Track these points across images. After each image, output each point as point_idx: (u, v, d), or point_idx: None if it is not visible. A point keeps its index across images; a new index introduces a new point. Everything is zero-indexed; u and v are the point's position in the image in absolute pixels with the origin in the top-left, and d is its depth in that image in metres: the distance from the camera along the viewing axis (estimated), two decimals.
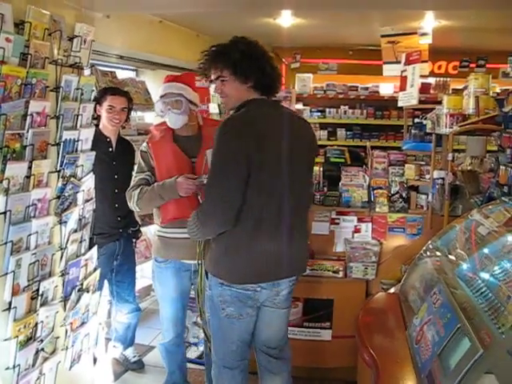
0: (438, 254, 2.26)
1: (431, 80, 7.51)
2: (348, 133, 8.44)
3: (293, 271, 2.85)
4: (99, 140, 3.90)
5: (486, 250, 1.89)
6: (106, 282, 4.21)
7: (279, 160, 2.60)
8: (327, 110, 8.38)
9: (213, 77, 2.75)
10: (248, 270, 2.69)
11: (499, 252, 1.84)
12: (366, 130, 8.52)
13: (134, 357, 4.46)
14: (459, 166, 4.64)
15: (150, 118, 5.69)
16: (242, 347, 2.90)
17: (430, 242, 2.49)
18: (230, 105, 2.75)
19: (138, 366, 4.45)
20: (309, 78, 8.16)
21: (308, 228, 3.07)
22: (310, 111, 8.30)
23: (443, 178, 4.03)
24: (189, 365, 4.34)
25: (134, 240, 4.33)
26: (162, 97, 3.49)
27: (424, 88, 7.26)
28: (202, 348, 4.49)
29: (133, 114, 5.36)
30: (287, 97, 6.17)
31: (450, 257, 2.15)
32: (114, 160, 4.03)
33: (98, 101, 3.91)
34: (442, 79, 7.56)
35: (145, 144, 3.56)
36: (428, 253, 2.31)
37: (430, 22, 5.29)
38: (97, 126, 3.96)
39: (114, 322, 4.45)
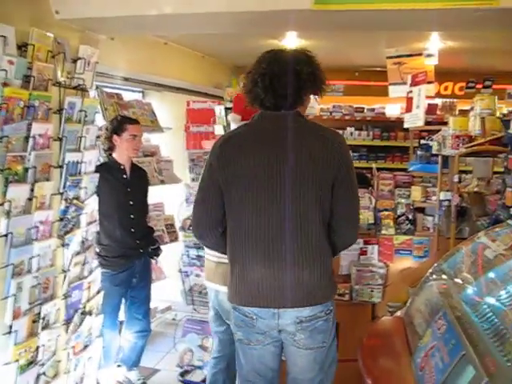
0: (444, 277, 2.22)
1: (438, 101, 7.51)
2: (354, 154, 8.40)
3: (287, 302, 2.50)
4: (113, 168, 3.99)
5: (492, 274, 1.85)
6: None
7: (259, 177, 2.47)
8: None
9: None
10: (232, 290, 2.61)
11: (505, 276, 1.80)
12: (372, 151, 8.51)
13: (139, 380, 4.38)
14: (466, 188, 4.61)
15: (156, 139, 5.70)
16: (261, 381, 2.71)
17: (435, 264, 2.45)
18: None
19: None
20: (315, 99, 8.16)
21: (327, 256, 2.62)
22: None
23: (449, 200, 4.01)
24: None
25: (154, 258, 4.39)
26: None
27: (430, 109, 7.28)
28: (206, 371, 4.43)
29: None
30: None
31: (456, 280, 2.11)
32: (129, 187, 4.08)
33: (116, 131, 3.96)
34: (448, 100, 7.55)
35: None
36: (434, 276, 2.27)
37: (435, 43, 5.29)
38: (110, 154, 4.04)
39: (121, 340, 4.41)
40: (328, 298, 2.59)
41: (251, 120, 2.61)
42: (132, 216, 4.07)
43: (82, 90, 3.26)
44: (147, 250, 4.23)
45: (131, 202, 4.08)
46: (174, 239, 5.32)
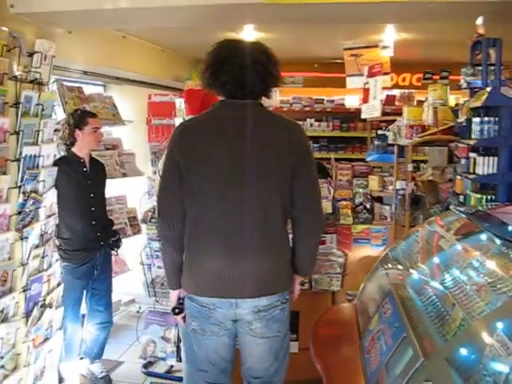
0: (393, 263, 2.30)
1: (396, 92, 7.64)
2: (314, 145, 8.47)
3: (245, 292, 2.53)
4: (73, 161, 4.00)
5: (436, 259, 1.93)
6: None
7: (220, 165, 2.49)
8: None
9: None
10: (190, 280, 2.62)
11: (448, 261, 1.88)
12: (332, 142, 8.60)
13: (102, 372, 4.37)
14: (421, 177, 4.73)
15: (117, 132, 5.69)
16: (214, 371, 2.74)
17: (386, 251, 2.53)
18: None
19: (106, 382, 4.37)
20: (275, 91, 8.22)
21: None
22: None
23: (404, 189, 4.12)
24: (157, 380, 4.36)
25: (115, 249, 4.40)
26: None
27: (389, 100, 7.43)
28: (169, 362, 4.48)
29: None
30: None
31: (403, 266, 2.20)
32: (89, 180, 4.10)
33: (78, 125, 3.96)
34: (406, 91, 7.69)
35: None
36: (383, 262, 2.36)
37: (390, 35, 5.40)
38: (69, 148, 4.03)
39: (84, 332, 4.41)
40: (285, 288, 2.64)
41: (212, 107, 2.60)
42: (93, 208, 4.09)
43: (38, 83, 3.25)
44: (108, 242, 4.25)
45: (92, 195, 4.10)
46: (137, 232, 5.36)
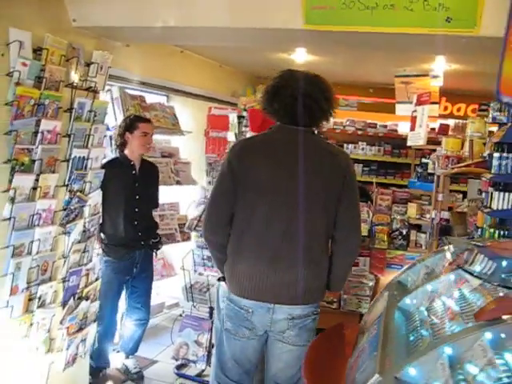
0: (396, 288, 2.40)
1: (450, 121, 7.63)
2: (364, 169, 8.55)
3: (285, 299, 2.74)
4: (124, 163, 4.25)
5: (429, 287, 2.04)
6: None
7: (271, 183, 2.71)
8: (345, 145, 8.48)
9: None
10: (234, 282, 2.82)
11: (441, 288, 1.99)
12: (383, 167, 8.61)
13: (135, 368, 4.59)
14: (458, 208, 4.76)
15: (176, 141, 5.95)
16: (238, 370, 2.94)
17: (396, 275, 2.64)
18: None
19: (138, 378, 4.57)
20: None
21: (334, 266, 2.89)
22: None
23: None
24: (186, 381, 4.53)
25: (154, 251, 4.55)
26: None
27: (443, 129, 7.43)
28: (199, 366, 4.64)
29: (159, 137, 5.70)
30: None
31: (404, 291, 2.29)
32: (137, 182, 4.30)
33: (129, 129, 4.21)
34: (460, 121, 7.67)
35: None
36: (389, 287, 2.46)
37: (440, 65, 5.43)
38: (122, 151, 4.28)
39: (122, 328, 4.63)
40: (319, 300, 2.88)
41: (269, 130, 2.87)
42: (137, 210, 4.28)
43: (93, 91, 3.51)
44: (148, 243, 4.43)
45: (137, 197, 4.28)
46: (186, 239, 5.49)
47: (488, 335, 1.34)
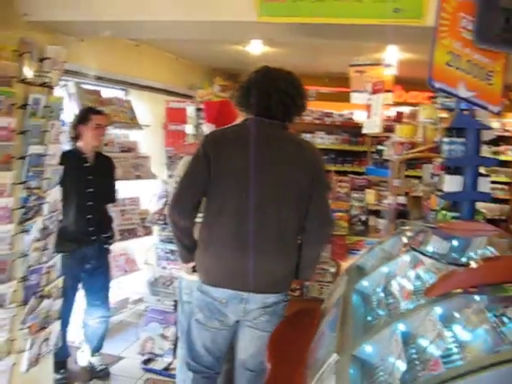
0: (355, 271, 2.47)
1: (405, 109, 7.77)
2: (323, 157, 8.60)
3: (258, 288, 2.79)
4: (76, 156, 4.21)
5: (384, 268, 2.11)
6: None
7: (243, 172, 2.77)
8: (303, 134, 8.49)
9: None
10: (204, 268, 2.87)
11: (396, 270, 2.06)
12: (341, 155, 8.71)
13: (101, 365, 4.58)
14: (413, 193, 4.87)
15: (134, 136, 5.90)
16: (209, 358, 3.01)
17: (355, 260, 2.71)
18: None
19: (104, 375, 4.56)
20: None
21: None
22: None
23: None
24: (153, 376, 4.53)
25: (106, 246, 4.51)
26: None
27: (398, 117, 7.58)
28: (167, 359, 4.65)
29: (117, 131, 5.66)
30: None
31: (362, 274, 2.36)
32: (90, 175, 4.26)
33: (82, 121, 4.18)
34: (415, 108, 7.81)
35: None
36: (348, 271, 2.53)
37: (392, 54, 5.54)
38: (75, 143, 4.24)
39: (84, 326, 4.59)
40: (289, 288, 2.98)
41: (244, 122, 2.92)
42: (90, 203, 4.22)
43: (48, 87, 3.45)
44: (99, 238, 4.38)
45: (91, 190, 4.23)
46: (149, 233, 5.51)
47: (437, 310, 1.41)
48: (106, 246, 4.50)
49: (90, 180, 4.25)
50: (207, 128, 4.22)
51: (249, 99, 2.85)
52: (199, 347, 2.99)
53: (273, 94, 2.78)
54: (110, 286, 4.65)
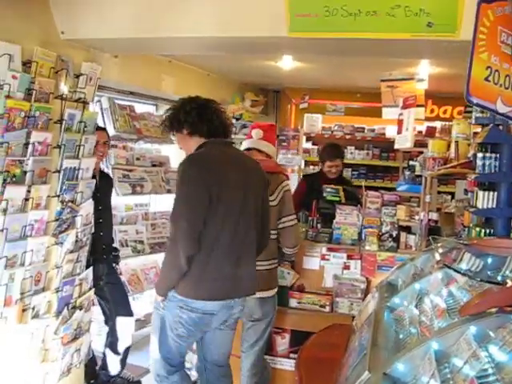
0: (387, 288, 2.46)
1: (437, 124, 7.71)
2: (354, 173, 8.61)
3: (244, 291, 3.08)
4: None
5: (417, 286, 2.09)
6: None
7: (234, 192, 2.96)
8: None
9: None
10: (202, 286, 2.93)
11: (428, 287, 2.04)
12: (372, 170, 8.68)
13: (133, 376, 4.60)
14: (446, 209, 4.81)
15: (166, 150, 5.97)
16: (180, 358, 3.20)
17: (387, 276, 2.69)
18: (188, 152, 3.14)
19: None
20: (318, 118, 8.40)
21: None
22: (318, 150, 8.46)
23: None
24: None
25: (114, 264, 4.50)
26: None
27: (429, 132, 7.51)
28: (194, 373, 4.63)
29: (149, 146, 5.73)
30: (295, 136, 6.18)
31: (393, 291, 2.34)
32: (98, 192, 4.16)
33: None
34: (447, 123, 7.74)
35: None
36: (379, 287, 2.51)
37: (424, 68, 5.50)
38: None
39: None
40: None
41: (210, 144, 3.06)
42: (101, 220, 4.16)
43: (82, 102, 3.55)
44: (109, 257, 4.35)
45: (100, 207, 4.16)
46: None
47: (472, 329, 1.39)
48: (114, 264, 4.50)
49: (98, 197, 4.12)
50: (263, 145, 3.92)
51: (202, 125, 3.03)
52: (174, 353, 3.12)
53: (218, 115, 3.09)
54: (128, 297, 4.65)
